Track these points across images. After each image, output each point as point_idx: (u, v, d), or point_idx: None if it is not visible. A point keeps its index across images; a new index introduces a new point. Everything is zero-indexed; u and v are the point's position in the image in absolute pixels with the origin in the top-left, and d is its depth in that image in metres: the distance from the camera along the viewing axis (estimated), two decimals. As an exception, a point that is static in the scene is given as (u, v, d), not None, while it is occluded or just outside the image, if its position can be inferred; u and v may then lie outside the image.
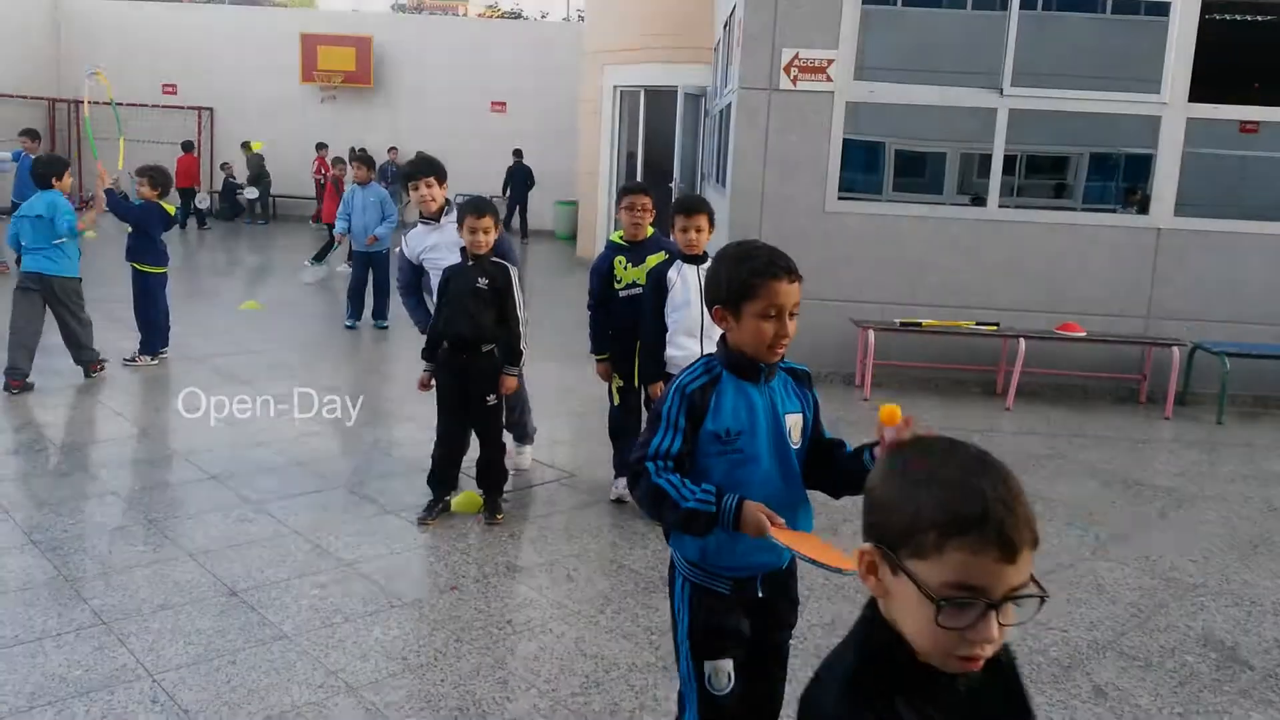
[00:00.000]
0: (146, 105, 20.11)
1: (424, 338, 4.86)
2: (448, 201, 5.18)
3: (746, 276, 2.18)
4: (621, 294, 4.93)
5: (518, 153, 19.60)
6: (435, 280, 4.96)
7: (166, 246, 7.88)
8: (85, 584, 3.92)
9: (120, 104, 15.94)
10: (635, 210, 4.95)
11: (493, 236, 4.58)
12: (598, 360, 5.08)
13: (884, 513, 1.24)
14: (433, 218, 5.16)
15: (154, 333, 7.71)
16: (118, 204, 7.65)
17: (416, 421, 6.45)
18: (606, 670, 3.42)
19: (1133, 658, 3.70)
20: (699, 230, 4.54)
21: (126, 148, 9.71)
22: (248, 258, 15.76)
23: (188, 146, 19.83)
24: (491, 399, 4.69)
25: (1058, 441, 6.74)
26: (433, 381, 4.75)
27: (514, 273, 4.67)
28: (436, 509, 4.77)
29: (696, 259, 4.58)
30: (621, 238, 5.02)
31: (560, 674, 3.39)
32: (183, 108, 21.08)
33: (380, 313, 9.83)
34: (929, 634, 1.19)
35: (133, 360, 7.61)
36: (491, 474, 4.84)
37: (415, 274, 5.30)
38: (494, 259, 4.65)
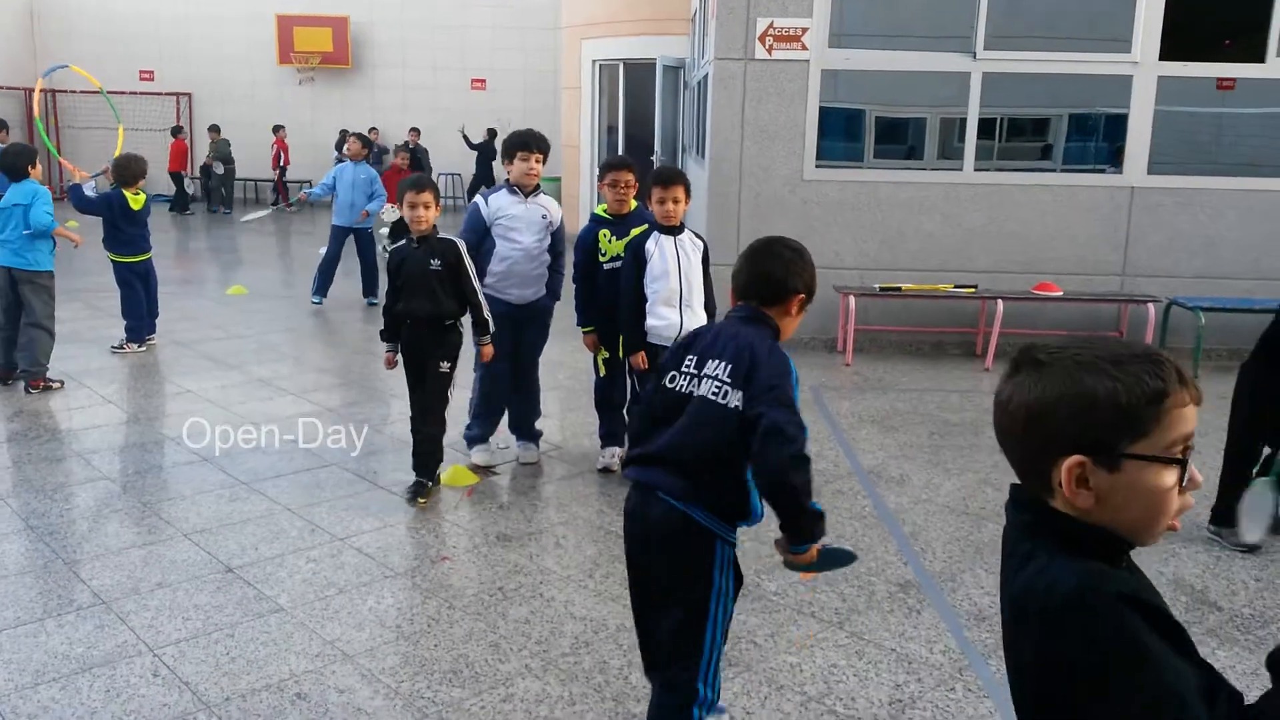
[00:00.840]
0: (125, 92, 19.96)
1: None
2: (538, 184, 5.14)
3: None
4: (606, 267, 5.01)
5: (491, 131, 19.29)
6: (504, 247, 5.00)
7: (139, 234, 7.80)
8: (83, 566, 4.01)
9: (99, 91, 15.90)
10: (619, 186, 5.01)
11: (433, 214, 4.64)
12: (585, 332, 5.16)
13: (1080, 419, 1.22)
14: (528, 191, 5.08)
15: (135, 320, 7.74)
16: (77, 197, 7.60)
17: (405, 398, 6.53)
18: (595, 631, 3.53)
19: (1104, 603, 3.83)
20: (675, 201, 4.62)
21: (119, 136, 9.72)
22: (231, 242, 15.74)
23: (177, 131, 19.83)
24: (445, 366, 4.74)
25: (1036, 400, 6.86)
26: (398, 359, 4.85)
27: (463, 247, 4.72)
28: (426, 486, 4.86)
29: (673, 229, 4.67)
30: (606, 211, 5.09)
31: (551, 636, 3.49)
32: (161, 94, 20.95)
33: (371, 289, 9.86)
34: (1162, 505, 1.23)
35: (120, 348, 7.65)
36: (431, 452, 4.82)
37: (479, 237, 5.04)
38: (441, 236, 4.72)
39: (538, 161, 5.03)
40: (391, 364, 4.91)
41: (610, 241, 5.00)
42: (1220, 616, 3.75)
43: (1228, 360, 8.14)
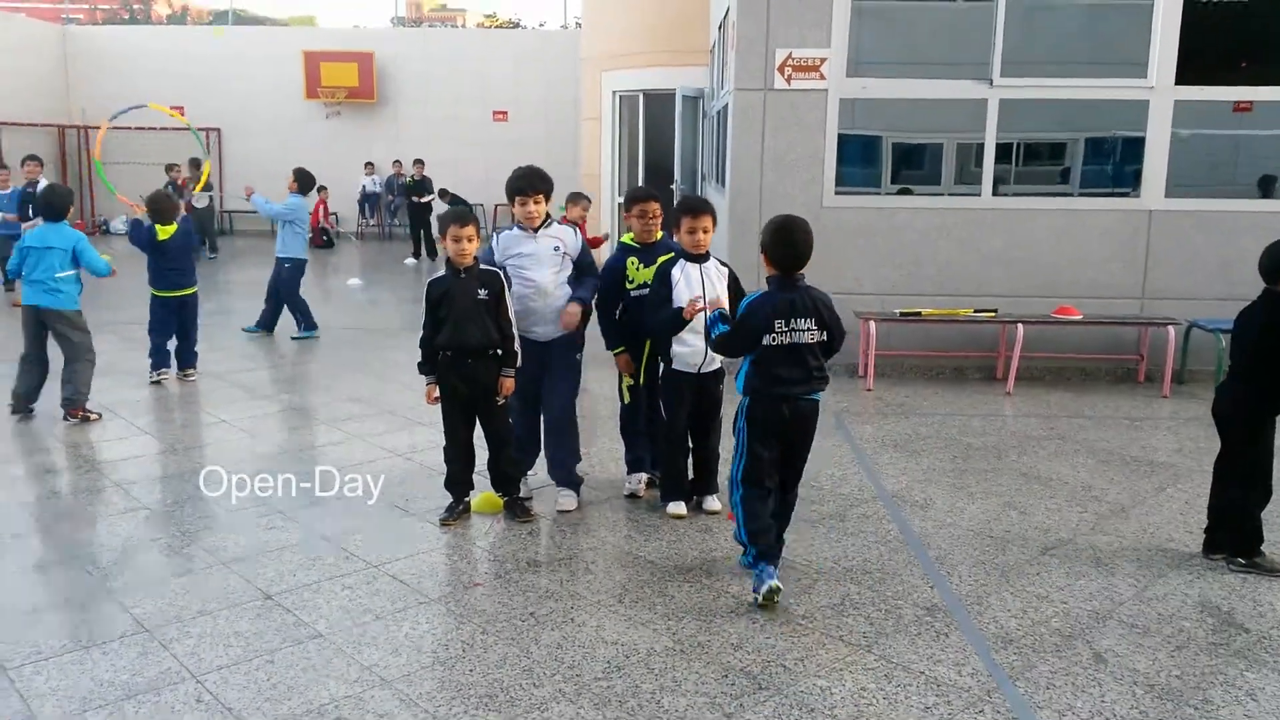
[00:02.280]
0: (155, 128, 20.37)
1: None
2: (548, 215, 5.07)
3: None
4: (633, 293, 5.13)
5: (419, 162, 18.67)
6: (519, 286, 4.96)
7: (171, 267, 7.99)
8: (125, 595, 4.11)
9: (130, 128, 16.21)
10: (647, 217, 5.16)
11: (476, 246, 4.76)
12: (616, 354, 5.24)
13: None
14: (534, 229, 5.02)
15: (152, 349, 7.91)
16: (136, 234, 7.94)
17: (434, 427, 6.63)
18: (627, 656, 3.60)
19: (1131, 625, 3.86)
20: (705, 231, 4.81)
21: (145, 172, 9.97)
22: (261, 274, 15.95)
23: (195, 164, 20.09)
24: (501, 399, 4.89)
25: (1058, 423, 6.89)
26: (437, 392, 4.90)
27: (504, 280, 4.82)
28: (457, 510, 4.96)
29: (700, 257, 4.83)
30: (633, 240, 5.21)
31: (583, 660, 3.56)
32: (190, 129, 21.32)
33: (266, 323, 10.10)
34: None
35: (157, 380, 7.84)
36: (508, 471, 5.02)
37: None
38: (484, 266, 4.82)
39: (537, 203, 4.93)
40: (434, 397, 4.92)
41: (638, 269, 5.12)
42: (1248, 638, 3.77)
43: (1252, 381, 8.14)
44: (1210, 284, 8.09)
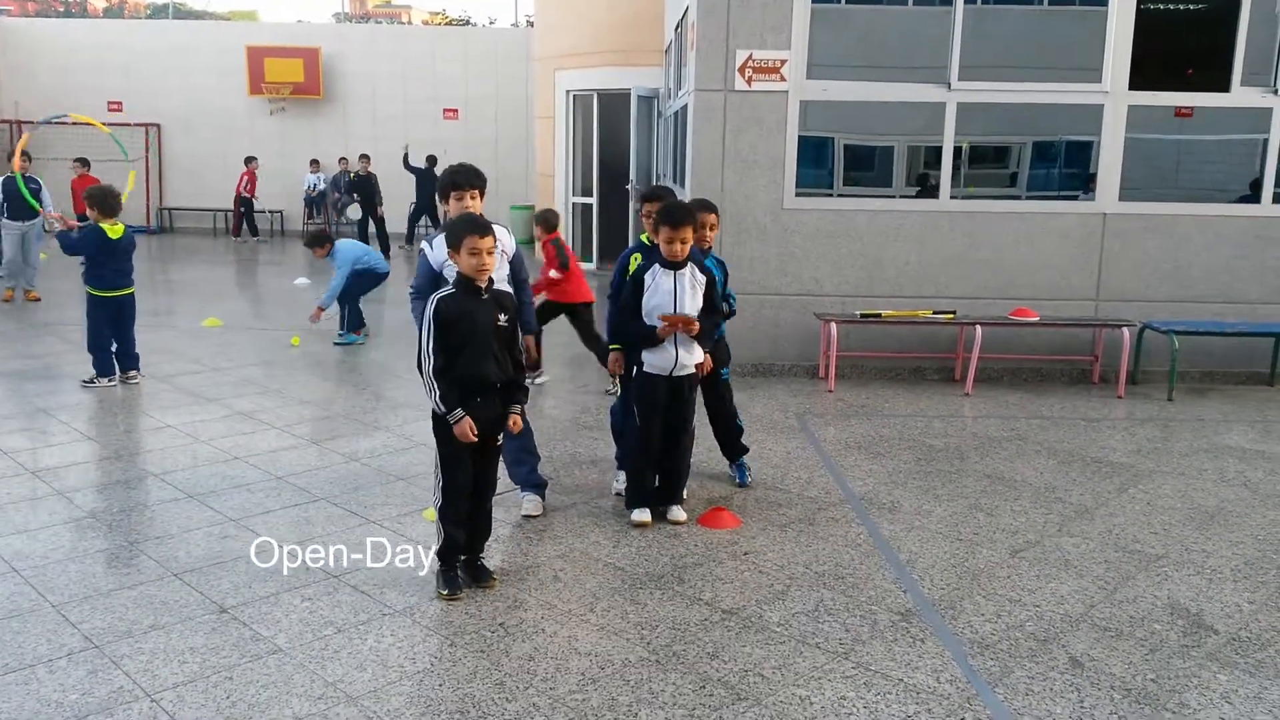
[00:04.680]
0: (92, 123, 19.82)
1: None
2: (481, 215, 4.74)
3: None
4: None
5: (431, 159, 18.46)
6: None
7: (118, 269, 7.70)
8: (72, 608, 3.92)
9: (65, 122, 15.74)
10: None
11: (494, 262, 4.08)
12: (610, 349, 5.07)
13: None
14: None
15: (95, 354, 7.63)
16: (67, 242, 7.62)
17: (390, 431, 6.50)
18: (601, 667, 3.50)
19: (1104, 628, 3.86)
20: (684, 242, 4.69)
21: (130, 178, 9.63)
22: (203, 273, 15.57)
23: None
24: (501, 439, 4.25)
25: (1017, 424, 6.94)
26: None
27: (514, 300, 4.33)
28: (458, 584, 4.13)
29: (676, 264, 4.75)
30: (647, 239, 5.07)
31: (556, 673, 3.46)
32: (130, 124, 20.76)
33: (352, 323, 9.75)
34: None
35: (90, 382, 7.56)
36: (487, 526, 4.31)
37: (433, 283, 4.61)
38: (498, 287, 4.26)
39: (474, 199, 4.64)
40: (473, 431, 3.96)
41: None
42: (1218, 640, 3.79)
43: (1200, 383, 8.31)
44: (1163, 286, 8.23)
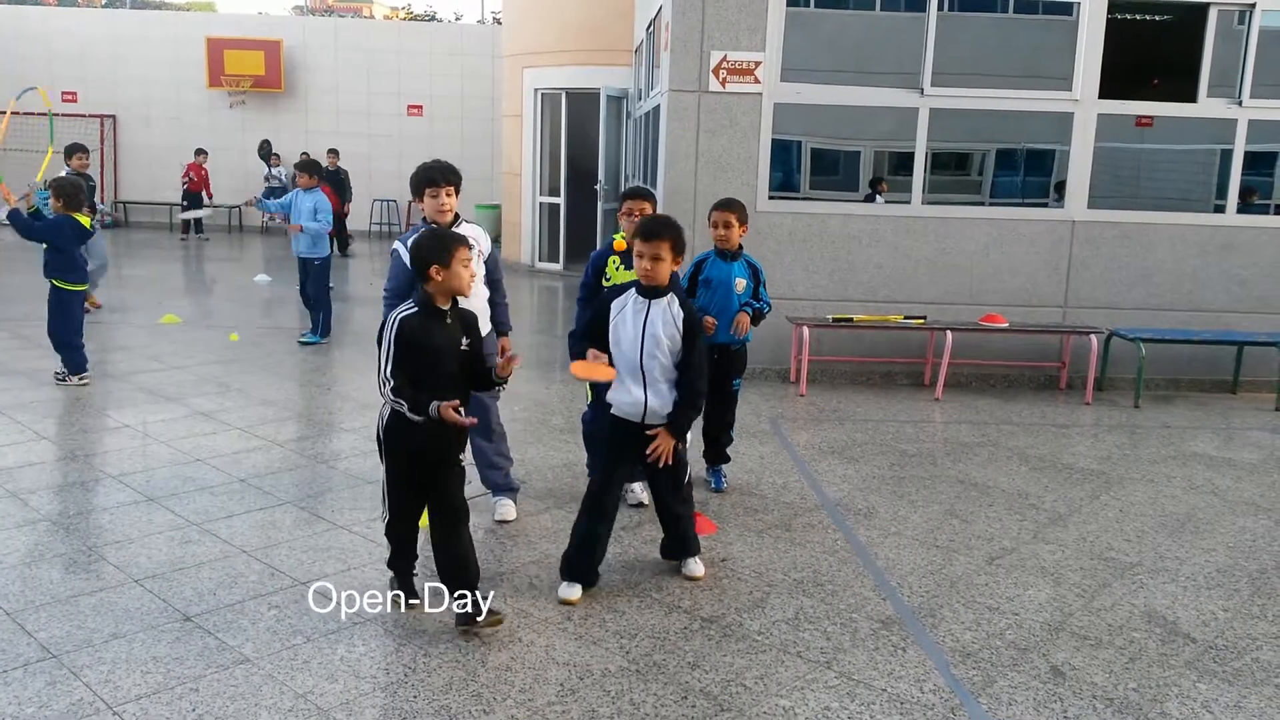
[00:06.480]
0: (44, 114, 19.34)
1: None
2: (456, 215, 4.65)
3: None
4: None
5: (333, 152, 18.05)
6: None
7: (87, 262, 7.56)
8: (28, 616, 3.77)
9: (18, 113, 15.33)
10: (634, 215, 4.81)
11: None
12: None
13: None
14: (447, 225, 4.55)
15: (72, 351, 7.42)
16: (23, 223, 7.31)
17: (356, 433, 6.36)
18: (580, 677, 3.42)
19: (1084, 637, 3.85)
20: (656, 259, 3.97)
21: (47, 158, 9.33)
22: (160, 268, 15.24)
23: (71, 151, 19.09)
24: (462, 463, 3.86)
25: (988, 430, 6.96)
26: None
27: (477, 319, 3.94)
28: (407, 595, 3.97)
29: (655, 292, 4.05)
30: (623, 238, 4.92)
31: (534, 683, 3.38)
32: (84, 115, 20.31)
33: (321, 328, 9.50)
34: None
35: (63, 379, 7.34)
36: (466, 557, 3.77)
37: (410, 283, 4.33)
38: (462, 307, 3.83)
39: (449, 195, 4.50)
40: (461, 411, 3.57)
41: (619, 270, 4.90)
42: (1195, 649, 3.80)
43: (1166, 390, 8.40)
44: (1130, 293, 8.30)
